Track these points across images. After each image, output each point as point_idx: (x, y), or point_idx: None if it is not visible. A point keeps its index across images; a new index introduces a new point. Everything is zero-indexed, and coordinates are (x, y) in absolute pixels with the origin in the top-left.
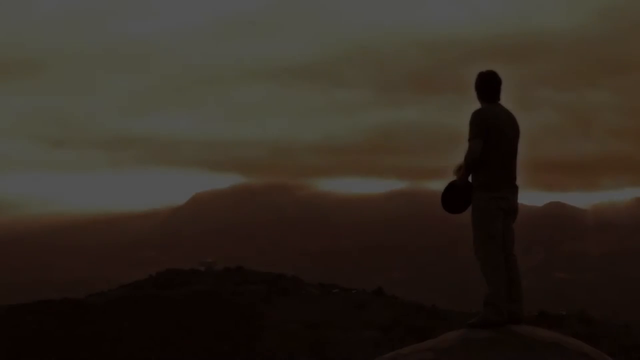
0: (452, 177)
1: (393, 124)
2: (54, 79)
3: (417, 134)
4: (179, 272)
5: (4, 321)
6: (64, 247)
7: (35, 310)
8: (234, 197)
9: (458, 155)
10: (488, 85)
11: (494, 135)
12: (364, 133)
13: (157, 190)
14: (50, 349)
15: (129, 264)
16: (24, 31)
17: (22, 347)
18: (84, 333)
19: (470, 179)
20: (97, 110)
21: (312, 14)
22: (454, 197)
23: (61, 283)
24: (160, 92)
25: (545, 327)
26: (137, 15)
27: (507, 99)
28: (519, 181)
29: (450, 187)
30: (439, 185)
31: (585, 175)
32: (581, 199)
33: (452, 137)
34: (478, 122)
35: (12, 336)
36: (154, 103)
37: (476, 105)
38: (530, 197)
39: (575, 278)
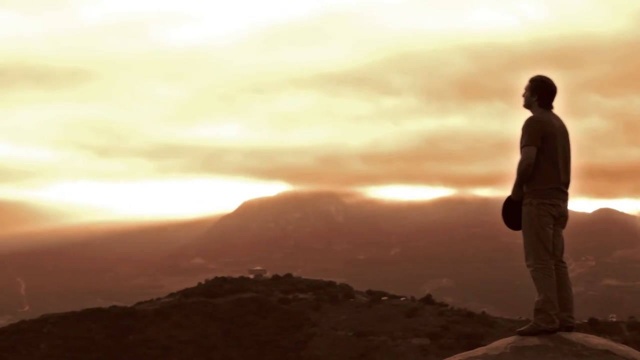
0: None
1: (439, 131)
2: (100, 88)
3: (464, 140)
4: (228, 280)
5: (55, 330)
6: (112, 256)
7: (84, 318)
8: (282, 205)
9: (504, 162)
10: (547, 91)
11: (547, 142)
12: (411, 140)
13: (205, 198)
14: (99, 358)
15: (177, 272)
16: (69, 41)
17: (72, 356)
18: (133, 341)
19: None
20: (144, 119)
21: (358, 21)
22: (514, 213)
23: (110, 291)
24: (207, 100)
25: (595, 334)
26: (182, 23)
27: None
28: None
29: (508, 203)
30: (486, 192)
31: (635, 181)
32: (631, 206)
33: (498, 143)
34: (533, 129)
35: (63, 345)
36: (200, 111)
37: (523, 110)
38: (580, 204)
39: (626, 285)
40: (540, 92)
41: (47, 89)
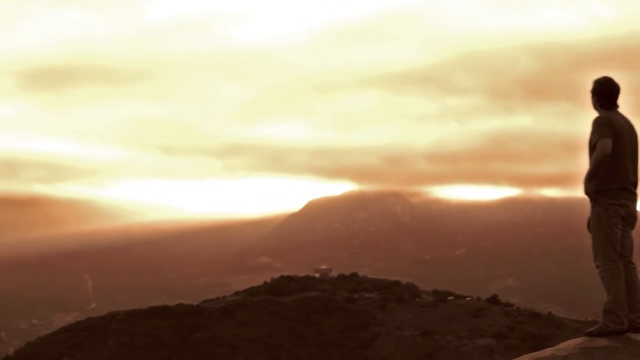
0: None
1: (505, 130)
2: (166, 86)
3: (529, 140)
4: (294, 279)
5: (122, 327)
6: (178, 254)
7: (151, 316)
8: (348, 204)
9: (571, 162)
10: (607, 92)
11: (615, 141)
12: (476, 139)
13: (270, 197)
14: (165, 356)
15: (243, 270)
16: (135, 40)
17: (138, 353)
18: (199, 339)
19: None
20: (209, 118)
21: (423, 19)
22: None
23: (176, 289)
24: (272, 99)
25: None
26: (247, 23)
27: (621, 106)
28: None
29: None
30: (552, 192)
31: None
32: None
33: (564, 143)
34: (605, 125)
35: (129, 342)
36: (266, 110)
37: (591, 111)
38: None
39: None
40: (600, 94)
41: (114, 88)
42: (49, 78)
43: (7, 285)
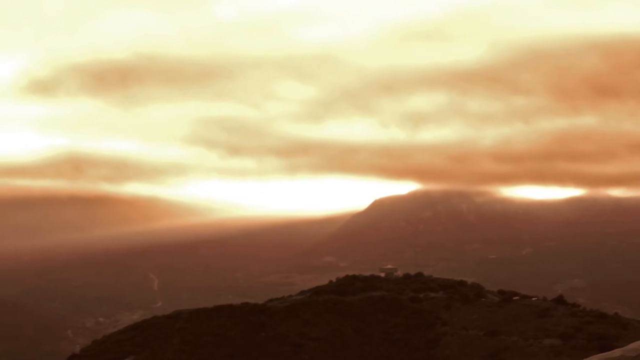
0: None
1: (571, 130)
2: (232, 85)
3: (596, 140)
4: (359, 278)
5: (187, 325)
6: (244, 253)
7: (216, 314)
8: (413, 203)
9: (638, 161)
10: None
11: None
12: (542, 139)
13: (335, 196)
14: (230, 354)
15: (309, 269)
16: (202, 39)
17: (204, 351)
18: (265, 338)
19: None
20: (275, 117)
21: (488, 19)
22: None
23: (242, 288)
24: (337, 98)
25: None
26: (314, 23)
27: None
28: None
29: None
30: (619, 193)
31: None
32: None
33: (631, 143)
34: None
35: (195, 340)
36: (331, 110)
37: None
38: None
39: None
40: None
41: (180, 87)
42: (115, 78)
43: (74, 283)
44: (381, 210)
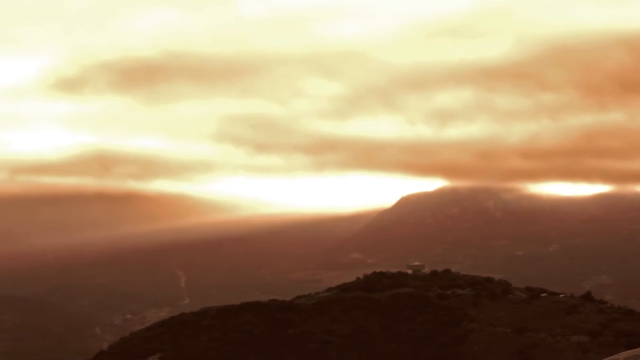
0: None
1: (598, 126)
2: (259, 83)
3: (623, 136)
4: (387, 275)
5: (215, 322)
6: (271, 250)
7: (244, 311)
8: (440, 200)
9: None
10: None
11: None
12: (569, 135)
13: (362, 192)
14: (258, 351)
15: (336, 266)
16: (228, 36)
17: (231, 348)
18: (292, 335)
19: None
20: (301, 114)
21: (515, 15)
22: None
23: (269, 285)
24: (364, 95)
25: None
26: (340, 19)
27: None
28: None
29: None
30: None
31: None
32: None
33: None
34: None
35: (222, 337)
36: (358, 107)
37: None
38: None
39: None
40: None
41: (207, 84)
42: (142, 75)
43: (101, 280)
44: (408, 207)
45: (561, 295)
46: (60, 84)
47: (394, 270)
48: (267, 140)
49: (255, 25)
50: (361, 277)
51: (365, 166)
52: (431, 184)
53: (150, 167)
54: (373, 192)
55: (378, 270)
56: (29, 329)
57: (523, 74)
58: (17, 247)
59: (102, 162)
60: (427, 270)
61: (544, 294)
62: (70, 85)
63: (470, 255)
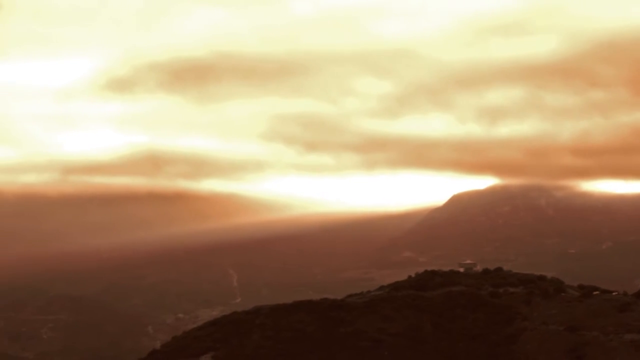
0: None
1: None
2: (308, 81)
3: None
4: (438, 274)
5: (267, 321)
6: (322, 249)
7: (296, 310)
8: (492, 198)
9: None
10: None
11: None
12: (621, 133)
13: (413, 191)
14: (310, 349)
15: (387, 265)
16: (278, 35)
17: (283, 347)
18: (344, 333)
19: None
20: (352, 113)
21: (565, 12)
22: None
23: (321, 284)
24: (414, 93)
25: None
26: (389, 17)
27: None
28: None
29: None
30: None
31: None
32: None
33: None
34: None
35: (274, 336)
36: (408, 105)
37: None
38: None
39: None
40: None
41: (257, 84)
42: (193, 75)
43: (154, 280)
44: (460, 205)
45: (614, 293)
46: (111, 85)
47: (446, 268)
48: (317, 139)
49: (304, 25)
50: (413, 275)
51: (415, 164)
52: (482, 182)
53: (201, 166)
54: (424, 191)
55: (430, 268)
56: (83, 328)
57: (573, 71)
58: (70, 247)
59: (153, 162)
60: (479, 268)
61: (597, 292)
62: (122, 85)
63: (522, 253)
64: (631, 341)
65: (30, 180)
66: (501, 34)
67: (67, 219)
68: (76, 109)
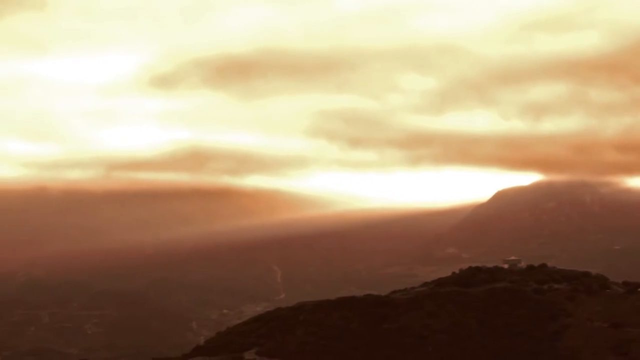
0: None
1: None
2: (352, 77)
3: None
4: (482, 270)
5: (310, 317)
6: (366, 245)
7: (339, 306)
8: (536, 194)
9: None
10: None
11: None
12: None
13: (457, 187)
14: (353, 346)
15: (431, 261)
16: (322, 31)
17: (327, 343)
18: (388, 330)
19: None
20: (395, 109)
21: (609, 7)
22: None
23: (364, 280)
24: (458, 89)
25: None
26: (433, 13)
27: None
28: None
29: None
30: None
31: None
32: None
33: None
34: None
35: (318, 332)
36: (452, 101)
37: None
38: None
39: None
40: None
41: (301, 80)
42: (236, 71)
43: (198, 276)
44: (504, 201)
45: None
46: (155, 81)
47: (490, 265)
48: (361, 135)
49: (349, 21)
50: (457, 271)
51: (459, 160)
52: (527, 178)
53: (245, 162)
54: (468, 187)
55: (474, 265)
56: (127, 324)
57: (618, 66)
58: (114, 243)
59: (197, 158)
60: (523, 264)
61: None
62: (165, 81)
63: (566, 249)
64: None
65: (75, 177)
66: (545, 29)
67: (111, 215)
68: (120, 105)
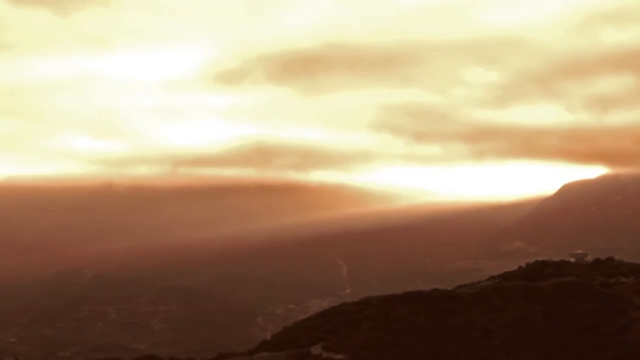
0: None
1: None
2: (416, 71)
3: None
4: (549, 264)
5: (376, 312)
6: (432, 239)
7: (405, 301)
8: (603, 187)
9: None
10: None
11: None
12: None
13: (523, 181)
14: (420, 340)
15: (497, 255)
16: (385, 26)
17: (393, 338)
18: (454, 324)
19: None
20: (460, 103)
21: None
22: None
23: (430, 274)
24: (523, 82)
25: None
26: (497, 6)
27: None
28: None
29: None
30: None
31: None
32: None
33: None
34: None
35: (384, 327)
36: (516, 94)
37: None
38: None
39: None
40: None
41: (365, 75)
42: (300, 67)
43: (264, 271)
44: (570, 194)
45: None
46: (220, 77)
47: (556, 258)
48: (425, 130)
49: (412, 15)
50: (523, 265)
51: (524, 154)
52: (593, 172)
53: (310, 157)
54: (534, 180)
55: (540, 258)
56: (193, 319)
57: None
58: (179, 239)
59: (262, 154)
60: (589, 258)
61: None
62: (230, 77)
63: (634, 242)
64: None
65: (141, 173)
66: (610, 21)
67: (177, 212)
68: (185, 101)
